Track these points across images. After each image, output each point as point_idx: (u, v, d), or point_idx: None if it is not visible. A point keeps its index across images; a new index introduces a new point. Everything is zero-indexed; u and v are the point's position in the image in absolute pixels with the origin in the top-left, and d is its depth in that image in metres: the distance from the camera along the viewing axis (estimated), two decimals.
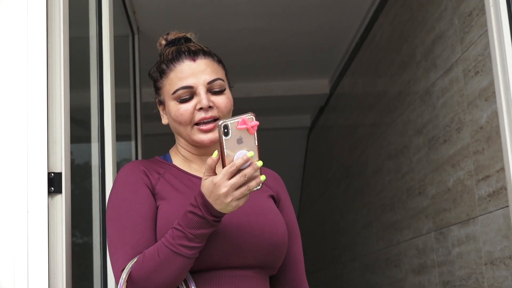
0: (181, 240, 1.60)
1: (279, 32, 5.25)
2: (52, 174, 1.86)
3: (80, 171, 2.76)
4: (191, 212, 1.60)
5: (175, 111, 1.81)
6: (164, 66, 1.87)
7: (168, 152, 2.00)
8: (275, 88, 6.56)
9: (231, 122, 1.54)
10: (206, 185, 1.59)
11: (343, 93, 6.06)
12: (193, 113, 1.81)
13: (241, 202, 1.58)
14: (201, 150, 1.88)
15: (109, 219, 1.75)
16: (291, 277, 1.96)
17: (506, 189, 2.65)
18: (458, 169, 3.29)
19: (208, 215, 1.59)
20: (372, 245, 4.98)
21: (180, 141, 1.93)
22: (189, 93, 1.81)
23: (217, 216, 1.60)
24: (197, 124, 1.80)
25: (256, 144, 1.58)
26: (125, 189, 1.77)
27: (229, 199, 1.56)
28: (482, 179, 3.01)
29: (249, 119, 1.54)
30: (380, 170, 4.72)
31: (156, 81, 1.90)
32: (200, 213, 1.59)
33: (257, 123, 1.56)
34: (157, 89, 1.91)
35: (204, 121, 1.80)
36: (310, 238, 7.15)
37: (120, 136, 4.59)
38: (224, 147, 1.54)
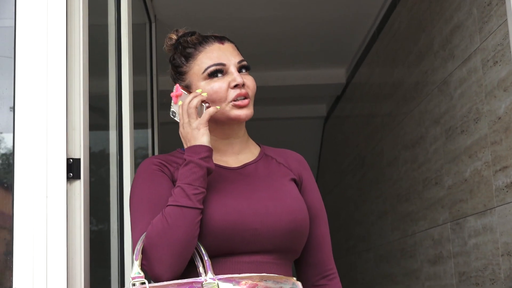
0: (180, 194, 1.70)
1: (296, 21, 5.23)
2: (71, 160, 1.88)
3: (98, 158, 2.78)
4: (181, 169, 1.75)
5: (209, 89, 1.85)
6: (190, 50, 1.91)
7: None
8: (291, 77, 6.54)
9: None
10: (181, 137, 1.82)
11: (359, 83, 6.04)
12: (227, 91, 1.85)
13: (202, 121, 1.77)
14: (228, 130, 1.92)
15: (131, 207, 1.81)
16: (316, 259, 1.97)
17: None
18: (475, 160, 3.28)
19: (191, 157, 1.73)
20: (387, 236, 4.98)
21: None
22: (221, 71, 1.86)
23: (198, 152, 1.74)
24: (234, 100, 1.84)
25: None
26: (144, 181, 1.82)
27: (191, 125, 1.77)
28: (500, 169, 3.00)
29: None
30: (396, 161, 4.72)
31: (181, 66, 1.92)
32: (185, 163, 1.73)
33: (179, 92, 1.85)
34: (181, 74, 1.93)
35: (240, 98, 1.85)
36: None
37: (137, 124, 4.60)
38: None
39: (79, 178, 1.89)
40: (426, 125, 4.04)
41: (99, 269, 2.42)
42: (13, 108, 1.91)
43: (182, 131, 1.80)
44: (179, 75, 1.94)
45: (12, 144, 1.88)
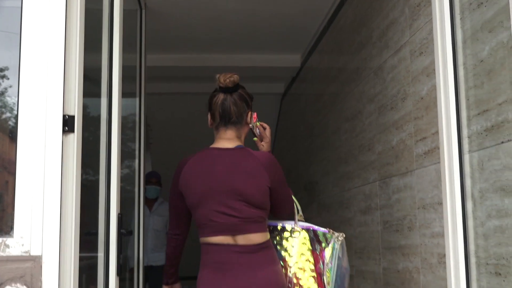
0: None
1: (262, 13, 5.18)
2: (67, 117, 1.84)
3: (92, 121, 2.70)
4: None
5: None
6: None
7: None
8: (256, 60, 6.52)
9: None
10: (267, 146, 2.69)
11: (311, 67, 6.00)
12: None
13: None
14: None
15: None
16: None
17: (439, 148, 2.65)
18: (401, 131, 3.28)
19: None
20: (329, 191, 4.99)
21: None
22: None
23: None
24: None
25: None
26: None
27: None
28: (420, 140, 3.00)
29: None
30: (338, 130, 4.71)
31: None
32: None
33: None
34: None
35: None
36: None
37: (127, 93, 4.51)
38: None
39: (73, 131, 1.84)
40: (363, 102, 4.02)
41: (88, 210, 2.37)
42: (18, 74, 1.85)
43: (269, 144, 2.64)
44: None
45: (17, 104, 1.82)
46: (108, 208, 2.35)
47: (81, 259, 2.33)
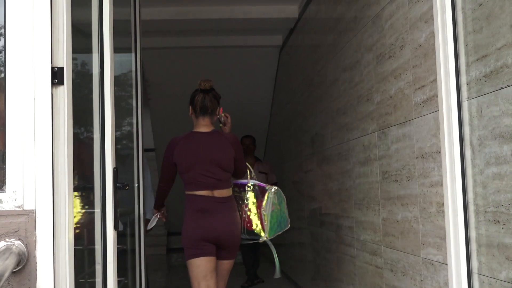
0: None
1: None
2: (55, 68, 1.79)
3: (84, 76, 2.65)
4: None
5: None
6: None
7: None
8: (254, 11, 6.42)
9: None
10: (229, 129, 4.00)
11: (309, 18, 5.90)
12: None
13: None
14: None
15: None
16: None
17: (437, 96, 2.61)
18: (399, 80, 3.24)
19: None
20: (328, 142, 4.97)
21: None
22: None
23: None
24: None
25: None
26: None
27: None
28: (418, 88, 2.96)
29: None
30: (337, 81, 4.66)
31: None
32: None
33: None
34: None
35: None
36: (279, 137, 7.15)
37: (123, 48, 4.43)
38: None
39: (63, 84, 1.80)
40: (361, 51, 3.96)
41: (83, 166, 2.34)
42: (4, 25, 1.79)
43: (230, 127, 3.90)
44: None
45: (3, 57, 1.77)
46: (103, 162, 2.33)
47: (78, 214, 2.32)
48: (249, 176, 3.84)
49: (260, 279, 6.79)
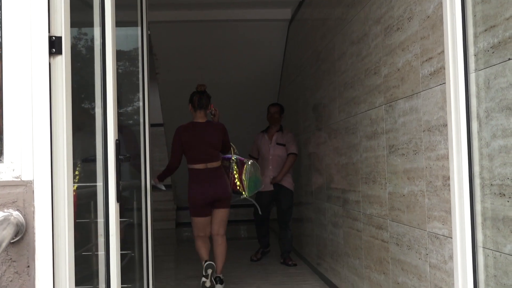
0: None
1: None
2: (53, 38, 1.75)
3: (85, 51, 2.62)
4: None
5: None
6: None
7: None
8: None
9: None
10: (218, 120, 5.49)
11: None
12: None
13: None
14: None
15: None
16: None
17: (444, 68, 2.56)
18: (407, 53, 3.18)
19: None
20: (335, 116, 4.93)
21: None
22: None
23: None
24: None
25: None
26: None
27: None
28: (426, 60, 2.91)
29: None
30: (344, 55, 4.60)
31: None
32: None
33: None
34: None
35: None
36: (288, 112, 7.10)
37: (130, 22, 4.39)
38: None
39: (61, 53, 1.76)
40: (369, 24, 3.90)
41: (84, 137, 2.33)
42: None
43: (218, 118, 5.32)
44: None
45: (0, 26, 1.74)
46: (105, 135, 2.31)
47: (80, 187, 2.31)
48: (232, 152, 5.35)
49: (269, 249, 6.92)
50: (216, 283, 5.07)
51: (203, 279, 4.98)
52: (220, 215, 5.14)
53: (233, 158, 5.32)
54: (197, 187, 5.02)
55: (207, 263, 4.97)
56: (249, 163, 5.34)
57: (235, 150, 5.38)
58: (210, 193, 5.01)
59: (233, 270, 6.10)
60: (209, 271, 4.96)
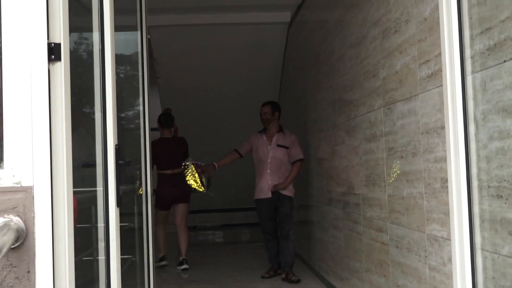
0: None
1: None
2: (52, 44, 1.78)
3: (85, 55, 2.64)
4: None
5: None
6: None
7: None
8: None
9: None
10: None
11: None
12: None
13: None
14: None
15: None
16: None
17: (441, 71, 2.58)
18: (405, 55, 3.20)
19: None
20: (335, 119, 4.95)
21: None
22: None
23: None
24: None
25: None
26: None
27: None
28: (424, 62, 2.93)
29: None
30: (343, 57, 4.62)
31: None
32: None
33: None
34: None
35: None
36: (288, 114, 7.12)
37: (129, 27, 4.41)
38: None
39: (60, 60, 1.79)
40: (367, 27, 3.92)
41: (84, 142, 2.35)
42: None
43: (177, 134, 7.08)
44: None
45: None
46: (105, 140, 2.33)
47: (81, 192, 2.33)
48: (189, 159, 7.01)
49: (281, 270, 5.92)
50: (183, 264, 6.49)
51: (161, 263, 6.62)
52: (182, 208, 6.65)
53: (187, 163, 7.20)
54: (165, 187, 6.56)
55: (163, 256, 6.73)
56: (202, 164, 6.83)
57: (189, 157, 7.05)
58: (175, 192, 6.58)
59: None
60: (163, 263, 6.65)
